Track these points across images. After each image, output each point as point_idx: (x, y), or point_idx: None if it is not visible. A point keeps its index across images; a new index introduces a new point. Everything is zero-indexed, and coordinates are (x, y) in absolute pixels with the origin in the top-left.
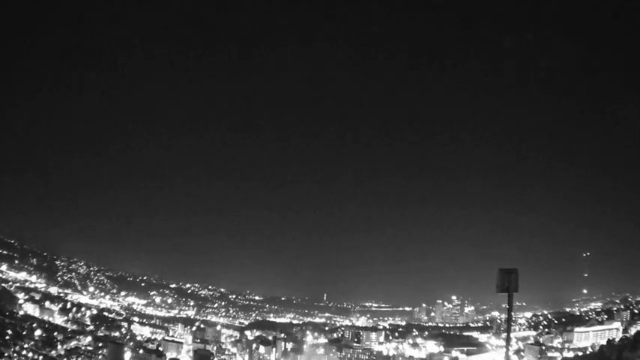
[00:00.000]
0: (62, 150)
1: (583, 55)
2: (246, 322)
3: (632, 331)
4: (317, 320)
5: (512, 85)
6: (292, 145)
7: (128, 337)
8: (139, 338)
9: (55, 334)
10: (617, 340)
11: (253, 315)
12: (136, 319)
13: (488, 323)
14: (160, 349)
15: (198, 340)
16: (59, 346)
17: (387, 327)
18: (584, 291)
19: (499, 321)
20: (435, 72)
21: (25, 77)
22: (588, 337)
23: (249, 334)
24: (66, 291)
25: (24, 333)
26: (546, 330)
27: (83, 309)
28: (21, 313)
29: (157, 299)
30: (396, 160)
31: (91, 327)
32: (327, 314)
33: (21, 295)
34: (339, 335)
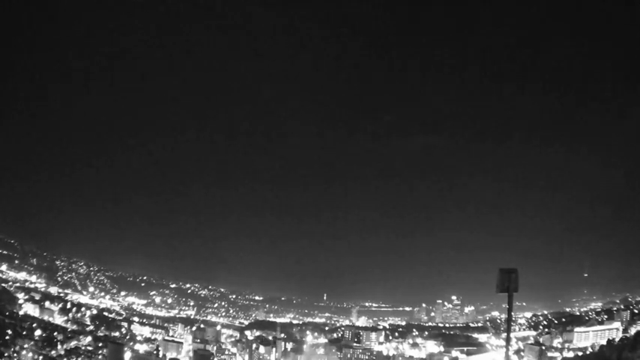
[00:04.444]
0: (63, 151)
1: (588, 49)
2: (246, 322)
3: (632, 331)
4: (317, 320)
5: (512, 84)
6: (292, 148)
7: (128, 337)
8: (139, 338)
9: (55, 334)
10: (617, 340)
11: (253, 315)
12: (136, 319)
13: (488, 323)
14: (160, 349)
15: (198, 340)
16: (59, 346)
17: (387, 327)
18: (585, 291)
19: (498, 321)
20: (433, 70)
21: (25, 77)
22: (588, 337)
23: (249, 334)
24: (66, 291)
25: (24, 333)
26: (546, 330)
27: (83, 309)
28: (21, 313)
29: (157, 299)
30: (395, 160)
31: (91, 327)
32: (327, 314)
33: (21, 295)
34: (339, 335)
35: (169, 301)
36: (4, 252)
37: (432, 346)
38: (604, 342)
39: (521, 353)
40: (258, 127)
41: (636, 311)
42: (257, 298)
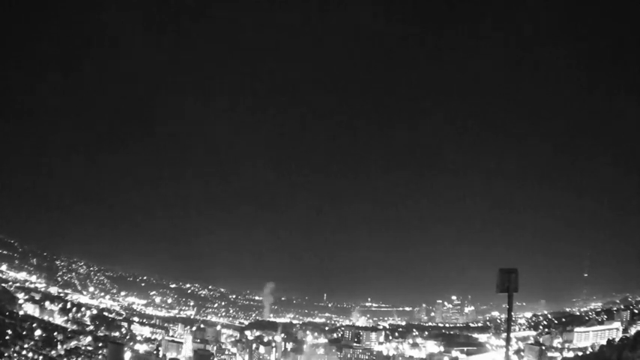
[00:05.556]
0: (63, 151)
1: (590, 43)
2: (246, 322)
3: (632, 331)
4: (317, 320)
5: (512, 77)
6: (292, 143)
7: (128, 337)
8: (139, 338)
9: (55, 334)
10: (617, 340)
11: (253, 315)
12: (136, 319)
13: (488, 323)
14: (160, 349)
15: (198, 340)
16: (59, 346)
17: (387, 327)
18: (584, 291)
19: (498, 321)
20: (434, 65)
21: (24, 76)
22: (588, 337)
23: (249, 334)
24: (66, 291)
25: (24, 333)
26: (546, 330)
27: (83, 309)
28: (21, 313)
29: (157, 299)
30: (396, 159)
31: (91, 327)
32: (327, 314)
33: (21, 295)
34: (339, 335)
35: (169, 301)
36: (4, 252)
37: (432, 346)
38: (604, 342)
39: (521, 353)
40: (257, 125)
41: (636, 311)
42: (257, 298)
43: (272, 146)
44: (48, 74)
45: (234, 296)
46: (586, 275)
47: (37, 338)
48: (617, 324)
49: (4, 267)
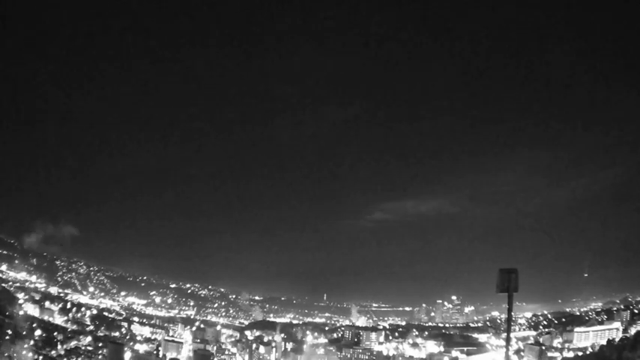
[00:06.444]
0: (63, 152)
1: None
2: (246, 322)
3: (632, 331)
4: (317, 320)
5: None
6: (290, 142)
7: (128, 337)
8: (139, 338)
9: (55, 334)
10: (617, 340)
11: (253, 315)
12: (136, 319)
13: (488, 323)
14: (160, 349)
15: (198, 340)
16: (59, 346)
17: (387, 327)
18: (584, 291)
19: (498, 321)
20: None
21: (25, 77)
22: (588, 337)
23: (249, 334)
24: (66, 291)
25: (24, 333)
26: (546, 330)
27: (83, 309)
28: (21, 313)
29: (157, 299)
30: (396, 159)
31: (91, 327)
32: (327, 314)
33: (21, 295)
34: (339, 335)
35: (169, 301)
36: (4, 252)
37: (432, 346)
38: (604, 342)
39: (521, 353)
40: (254, 124)
41: (636, 311)
42: (257, 298)
43: (273, 151)
44: (48, 76)
45: (234, 296)
46: (586, 275)
47: (37, 338)
48: (617, 324)
49: (4, 267)
